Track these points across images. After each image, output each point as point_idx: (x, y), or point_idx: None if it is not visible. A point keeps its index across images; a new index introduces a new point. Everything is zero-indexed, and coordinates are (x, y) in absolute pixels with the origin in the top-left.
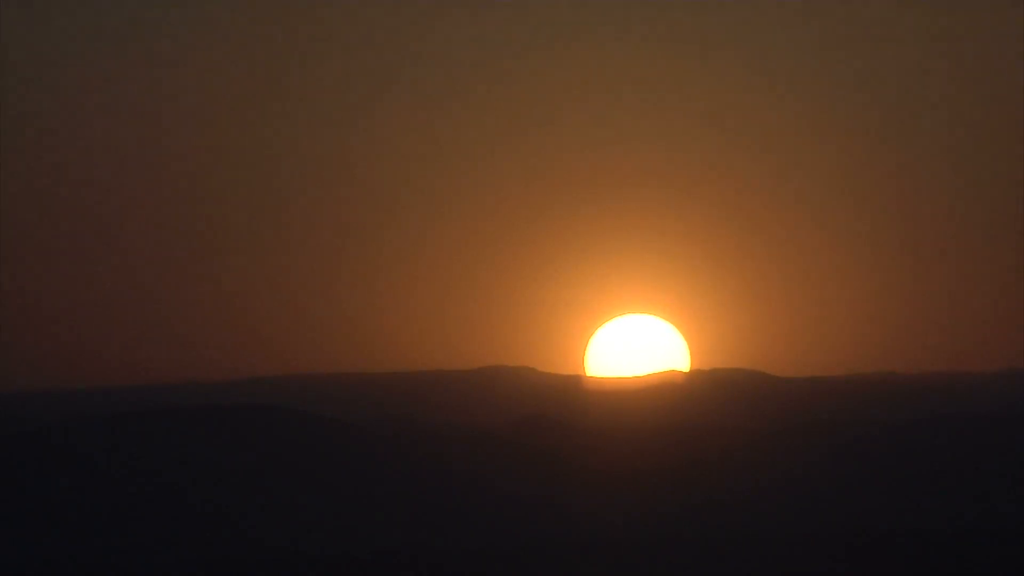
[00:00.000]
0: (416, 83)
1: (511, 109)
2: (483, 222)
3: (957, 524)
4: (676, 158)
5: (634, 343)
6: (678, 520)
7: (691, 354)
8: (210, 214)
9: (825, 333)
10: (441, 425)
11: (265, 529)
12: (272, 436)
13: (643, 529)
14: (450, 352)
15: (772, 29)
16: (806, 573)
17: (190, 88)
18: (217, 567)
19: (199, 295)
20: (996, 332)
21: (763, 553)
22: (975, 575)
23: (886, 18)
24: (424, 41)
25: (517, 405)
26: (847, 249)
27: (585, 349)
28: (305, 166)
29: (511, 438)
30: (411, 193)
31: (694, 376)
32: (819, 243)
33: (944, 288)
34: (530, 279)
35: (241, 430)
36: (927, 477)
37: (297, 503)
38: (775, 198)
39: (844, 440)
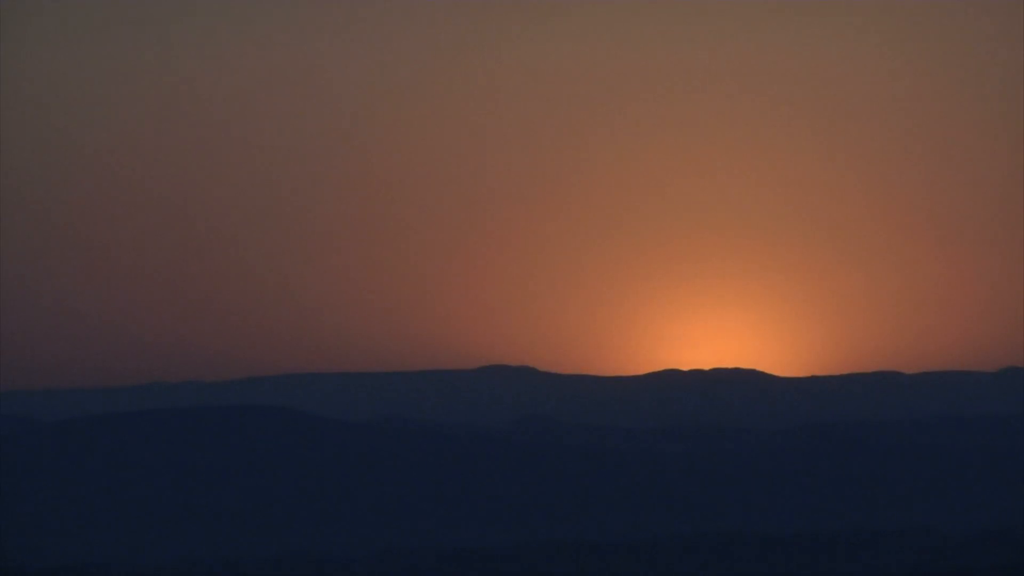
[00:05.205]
0: (423, 88)
1: (515, 112)
2: (483, 223)
3: (957, 524)
4: (673, 159)
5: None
6: (679, 519)
7: (691, 354)
8: (211, 216)
9: (825, 333)
10: (441, 425)
11: (265, 527)
12: (272, 436)
13: (643, 527)
14: (450, 352)
15: (785, 53)
16: (806, 572)
17: (192, 91)
18: (217, 565)
19: (199, 296)
20: (996, 332)
21: (764, 552)
22: (975, 575)
23: (889, 28)
24: (443, 45)
25: (517, 405)
26: (847, 250)
27: (586, 349)
28: (306, 168)
29: (511, 438)
30: (412, 195)
31: (694, 376)
32: (819, 244)
33: (944, 288)
34: (530, 279)
35: (241, 430)
36: (927, 477)
37: (297, 502)
38: (774, 199)
39: (844, 440)
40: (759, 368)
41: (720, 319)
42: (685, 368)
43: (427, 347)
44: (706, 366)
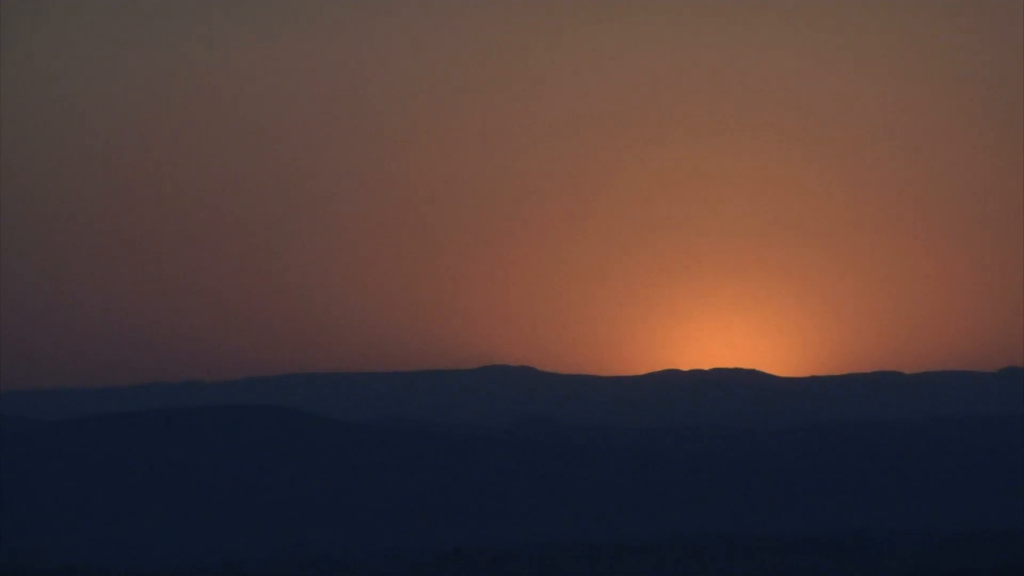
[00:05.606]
0: (428, 89)
1: (516, 114)
2: (483, 223)
3: (957, 524)
4: (673, 160)
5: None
6: (678, 519)
7: (691, 354)
8: (212, 216)
9: (825, 333)
10: (441, 425)
11: (265, 527)
12: (272, 436)
13: (644, 528)
14: (450, 352)
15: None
16: (806, 572)
17: (194, 91)
18: (217, 565)
19: (200, 296)
20: (996, 332)
21: (764, 552)
22: (975, 575)
23: (885, 30)
24: (442, 43)
25: (517, 405)
26: (847, 251)
27: (586, 349)
28: (305, 169)
29: (511, 438)
30: (412, 196)
31: (694, 376)
32: (819, 245)
33: (944, 288)
34: (531, 279)
35: (241, 430)
36: (927, 477)
37: (297, 502)
38: (774, 199)
39: (844, 440)
40: (759, 368)
41: (720, 319)
42: (685, 368)
43: (427, 347)
44: (706, 366)
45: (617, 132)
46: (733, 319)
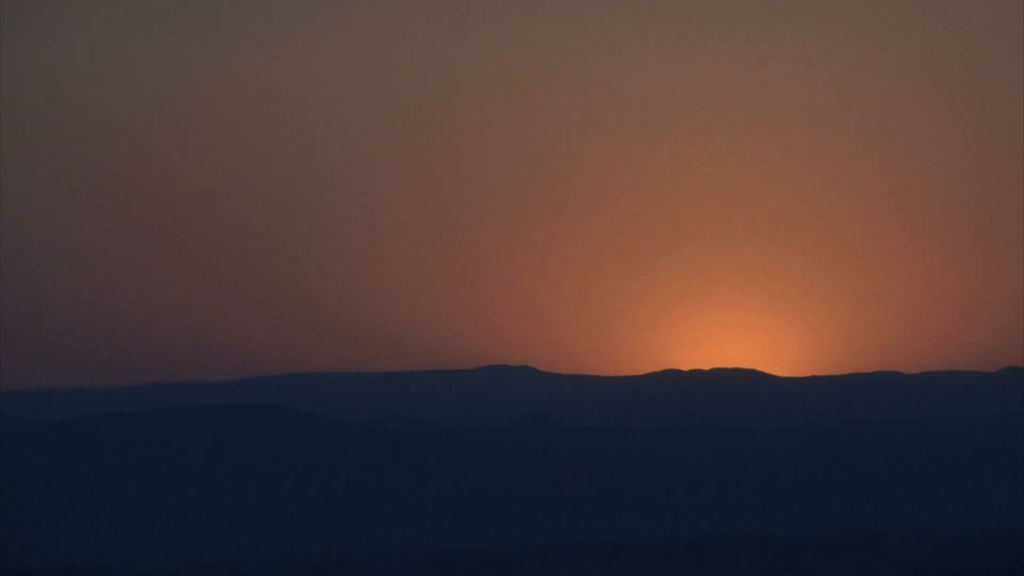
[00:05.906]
0: (431, 86)
1: (513, 113)
2: (483, 223)
3: (957, 524)
4: (672, 159)
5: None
6: (678, 519)
7: (691, 354)
8: (212, 215)
9: (825, 333)
10: (441, 425)
11: (265, 527)
12: (272, 436)
13: (644, 527)
14: (450, 352)
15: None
16: (806, 572)
17: (193, 91)
18: (217, 565)
19: (200, 296)
20: (996, 332)
21: (764, 552)
22: (975, 575)
23: (882, 28)
24: (456, 41)
25: (517, 405)
26: (846, 250)
27: (586, 349)
28: (305, 169)
29: (511, 438)
30: (412, 195)
31: (694, 376)
32: (818, 244)
33: (944, 288)
34: (531, 279)
35: (241, 430)
36: (927, 477)
37: (297, 502)
38: (774, 199)
39: (844, 440)
40: (759, 368)
41: (720, 319)
42: (685, 368)
43: (427, 347)
44: (706, 366)
45: (618, 136)
46: (733, 319)
